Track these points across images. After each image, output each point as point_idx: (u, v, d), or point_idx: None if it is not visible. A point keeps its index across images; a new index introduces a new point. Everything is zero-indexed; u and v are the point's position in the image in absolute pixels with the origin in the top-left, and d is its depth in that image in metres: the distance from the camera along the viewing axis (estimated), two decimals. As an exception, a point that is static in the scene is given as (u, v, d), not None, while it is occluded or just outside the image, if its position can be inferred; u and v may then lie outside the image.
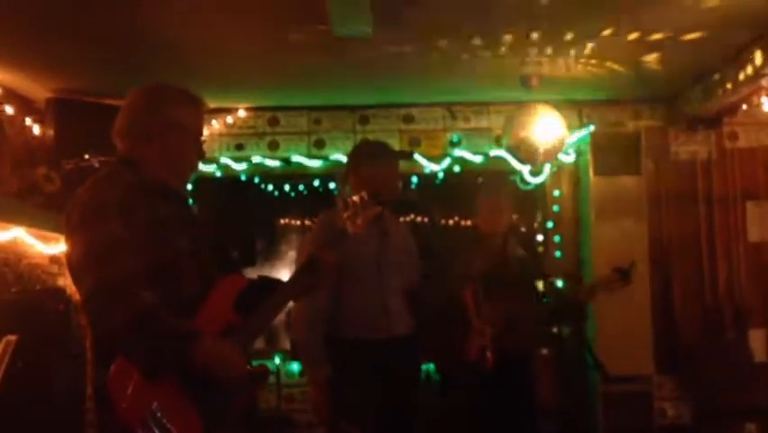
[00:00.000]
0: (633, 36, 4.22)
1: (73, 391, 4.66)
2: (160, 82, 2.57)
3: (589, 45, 4.38)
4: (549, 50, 4.47)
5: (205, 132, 5.41)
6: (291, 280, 2.62)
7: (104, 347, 2.23)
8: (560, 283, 5.47)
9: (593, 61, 4.67)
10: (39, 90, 5.03)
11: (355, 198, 2.65)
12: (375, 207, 2.69)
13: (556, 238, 5.76)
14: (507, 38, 4.26)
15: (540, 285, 4.28)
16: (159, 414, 2.15)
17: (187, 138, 2.50)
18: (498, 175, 5.76)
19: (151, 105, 2.48)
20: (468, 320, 3.91)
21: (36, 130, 5.08)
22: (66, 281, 4.80)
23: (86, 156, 4.69)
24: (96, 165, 4.58)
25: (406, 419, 3.60)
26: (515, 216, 4.50)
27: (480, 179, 5.73)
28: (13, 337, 3.32)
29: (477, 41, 4.30)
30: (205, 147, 2.63)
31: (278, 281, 2.64)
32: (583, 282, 4.30)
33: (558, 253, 5.73)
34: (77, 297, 4.79)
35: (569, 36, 4.24)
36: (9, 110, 4.84)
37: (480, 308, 3.93)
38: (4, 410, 3.19)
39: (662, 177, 5.64)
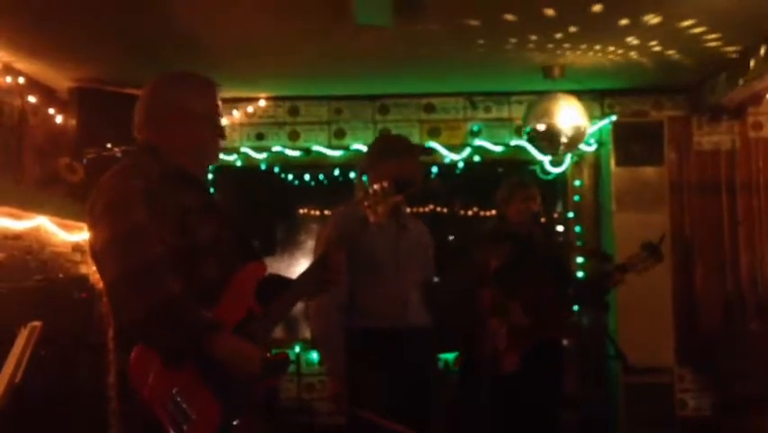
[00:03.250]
0: (657, 23, 4.18)
1: (95, 379, 4.70)
2: (174, 71, 2.58)
3: (615, 33, 4.35)
4: (572, 39, 4.45)
5: (226, 121, 5.45)
6: (303, 276, 2.60)
7: (126, 335, 2.25)
8: (580, 259, 5.44)
9: (617, 50, 4.63)
10: (61, 80, 5.06)
11: (376, 186, 2.63)
12: (396, 196, 2.68)
13: (577, 228, 5.74)
14: (530, 27, 4.24)
15: (567, 271, 4.24)
16: (179, 399, 2.17)
17: (200, 122, 2.49)
18: (518, 165, 5.75)
19: (164, 95, 2.49)
20: (482, 319, 3.89)
21: (59, 119, 5.12)
22: (88, 270, 4.84)
23: (109, 145, 4.72)
24: (119, 154, 4.61)
25: (422, 409, 3.59)
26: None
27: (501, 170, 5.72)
28: (37, 324, 3.34)
29: (498, 30, 4.28)
30: (225, 130, 2.62)
31: (288, 280, 2.64)
32: (611, 262, 4.14)
33: (579, 244, 5.70)
34: (99, 285, 4.83)
35: (593, 24, 4.21)
36: (32, 100, 4.88)
37: (498, 308, 3.90)
38: (28, 397, 3.22)
39: (685, 167, 5.60)
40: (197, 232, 2.36)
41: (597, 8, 4.07)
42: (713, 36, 4.35)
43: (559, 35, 4.41)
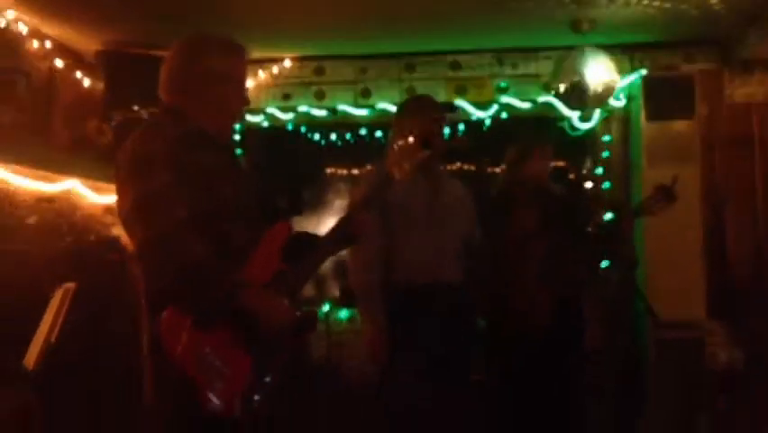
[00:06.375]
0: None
1: (129, 339, 4.78)
2: (199, 32, 2.57)
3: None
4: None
5: (252, 82, 5.44)
6: (330, 234, 2.62)
7: (157, 296, 2.28)
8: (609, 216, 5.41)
9: (646, 1, 4.54)
10: (88, 43, 5.08)
11: (401, 142, 2.63)
12: (422, 153, 2.66)
13: (606, 185, 5.69)
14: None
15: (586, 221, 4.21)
16: (211, 358, 2.20)
17: (228, 87, 2.50)
18: (546, 121, 5.70)
19: (190, 57, 2.49)
20: (515, 278, 3.89)
21: (86, 83, 5.14)
22: (120, 231, 4.90)
23: (136, 108, 4.74)
24: (146, 116, 4.64)
25: (461, 367, 3.62)
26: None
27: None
28: (71, 285, 3.40)
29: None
30: (250, 96, 2.63)
31: (315, 236, 2.65)
32: (627, 207, 4.14)
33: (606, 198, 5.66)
34: (131, 247, 4.90)
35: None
36: (59, 64, 4.91)
37: (531, 268, 3.90)
38: (63, 358, 3.29)
39: (716, 121, 5.50)
40: (221, 193, 2.38)
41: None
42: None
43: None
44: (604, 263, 4.83)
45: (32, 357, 3.20)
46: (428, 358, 3.44)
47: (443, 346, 3.49)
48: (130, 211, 2.26)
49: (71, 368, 3.74)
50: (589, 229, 4.32)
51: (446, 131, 4.11)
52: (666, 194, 3.93)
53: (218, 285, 2.21)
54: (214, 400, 2.19)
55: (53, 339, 3.19)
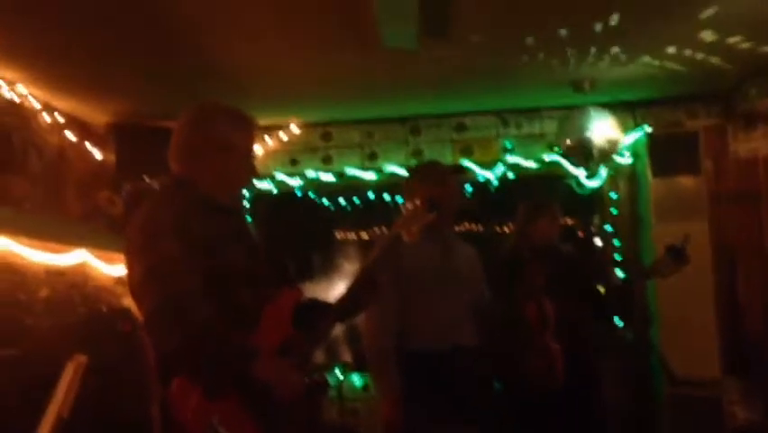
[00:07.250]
0: (689, 33, 4.15)
1: (140, 410, 4.75)
2: (207, 102, 2.60)
3: (645, 45, 4.33)
4: (602, 53, 4.44)
5: (260, 148, 5.51)
6: (340, 302, 2.63)
7: (166, 366, 2.28)
8: (621, 275, 5.39)
9: (647, 59, 4.59)
10: (99, 116, 5.17)
11: (409, 205, 2.69)
12: (429, 215, 2.72)
13: (615, 242, 5.69)
14: (560, 43, 4.24)
15: (595, 283, 4.21)
16: (220, 428, 2.18)
17: (236, 157, 2.53)
18: (553, 180, 5.73)
19: (199, 127, 2.52)
20: (531, 336, 3.86)
21: (97, 154, 5.22)
22: (131, 302, 4.90)
23: (146, 178, 4.80)
24: (156, 187, 4.69)
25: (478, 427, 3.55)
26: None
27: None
28: (83, 357, 3.39)
29: (528, 50, 4.29)
30: (258, 164, 2.66)
31: (326, 303, 2.66)
32: (639, 268, 4.11)
33: (617, 257, 5.65)
34: (141, 318, 4.90)
35: (623, 37, 4.19)
36: (71, 136, 4.99)
37: (545, 325, 3.88)
38: (72, 431, 3.26)
39: (723, 175, 5.52)
40: (230, 260, 2.38)
41: (623, 37, 4.07)
42: (747, 41, 4.29)
43: (587, 50, 4.41)
44: (617, 322, 4.81)
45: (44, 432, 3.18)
46: (447, 426, 3.37)
47: (463, 414, 3.42)
48: (140, 281, 2.28)
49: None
50: (601, 288, 4.31)
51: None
52: (677, 255, 3.88)
53: (226, 351, 2.21)
54: (224, 471, 2.17)
55: (65, 413, 3.17)
